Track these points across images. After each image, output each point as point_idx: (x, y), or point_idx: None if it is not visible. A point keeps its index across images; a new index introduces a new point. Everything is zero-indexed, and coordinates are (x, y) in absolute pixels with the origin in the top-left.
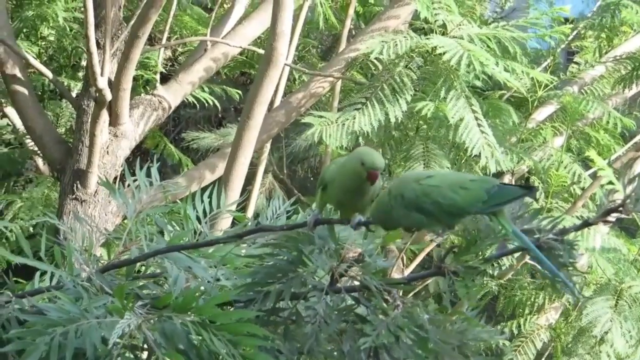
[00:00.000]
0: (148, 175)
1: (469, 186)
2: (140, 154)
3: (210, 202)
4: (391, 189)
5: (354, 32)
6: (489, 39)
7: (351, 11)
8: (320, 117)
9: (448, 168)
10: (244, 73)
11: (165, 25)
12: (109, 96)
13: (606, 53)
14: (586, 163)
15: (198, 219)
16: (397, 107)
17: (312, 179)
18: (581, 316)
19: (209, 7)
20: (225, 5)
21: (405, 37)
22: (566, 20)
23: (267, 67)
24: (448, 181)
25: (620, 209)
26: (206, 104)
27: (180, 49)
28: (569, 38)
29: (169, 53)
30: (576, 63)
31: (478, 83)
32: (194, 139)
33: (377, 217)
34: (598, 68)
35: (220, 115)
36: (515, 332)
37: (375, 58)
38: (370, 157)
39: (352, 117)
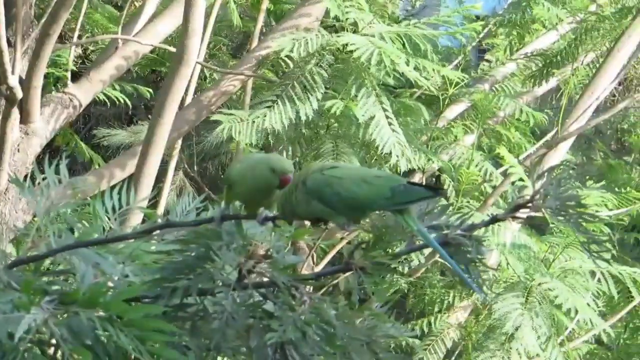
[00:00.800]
0: (57, 172)
1: (372, 181)
2: (50, 151)
3: (120, 199)
4: (296, 177)
5: (264, 30)
6: (400, 36)
7: (263, 6)
8: (230, 114)
9: (354, 164)
10: (155, 71)
11: (76, 23)
12: (19, 94)
13: (517, 50)
14: (497, 161)
15: (108, 215)
16: (307, 105)
17: (222, 176)
18: (491, 314)
19: (119, 4)
20: (136, 4)
21: (316, 35)
22: (477, 17)
23: (179, 65)
24: (352, 174)
25: (529, 205)
26: (117, 102)
27: (91, 47)
28: (480, 35)
29: (80, 51)
30: (487, 61)
31: (390, 81)
32: (105, 136)
33: (282, 206)
34: (509, 65)
35: (130, 113)
36: (426, 330)
37: (287, 56)
38: (280, 163)
39: (262, 114)
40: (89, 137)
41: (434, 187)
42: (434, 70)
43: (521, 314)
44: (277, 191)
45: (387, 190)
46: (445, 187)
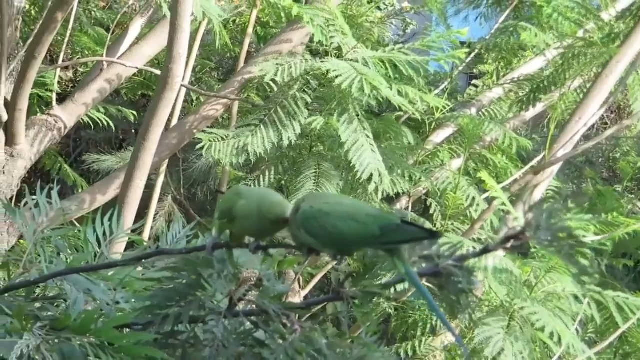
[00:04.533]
0: (49, 197)
1: (362, 220)
2: (40, 175)
3: (110, 226)
4: (294, 203)
5: (254, 54)
6: (384, 62)
7: (250, 30)
8: (211, 133)
9: (341, 188)
10: (145, 95)
11: (64, 45)
12: (4, 116)
13: (504, 76)
14: (482, 186)
15: (98, 241)
16: (290, 130)
17: (211, 200)
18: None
19: (110, 29)
20: (123, 27)
21: (300, 60)
22: (463, 44)
23: (163, 89)
24: (341, 210)
25: (521, 236)
26: (107, 126)
27: (81, 70)
28: (467, 60)
29: (70, 74)
30: (474, 86)
31: (374, 104)
32: (95, 161)
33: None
34: (496, 90)
35: (121, 137)
36: (410, 354)
37: (271, 80)
38: (279, 205)
39: (245, 137)
40: (79, 161)
41: (429, 230)
42: (417, 96)
43: (502, 339)
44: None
45: (375, 229)
46: (432, 211)
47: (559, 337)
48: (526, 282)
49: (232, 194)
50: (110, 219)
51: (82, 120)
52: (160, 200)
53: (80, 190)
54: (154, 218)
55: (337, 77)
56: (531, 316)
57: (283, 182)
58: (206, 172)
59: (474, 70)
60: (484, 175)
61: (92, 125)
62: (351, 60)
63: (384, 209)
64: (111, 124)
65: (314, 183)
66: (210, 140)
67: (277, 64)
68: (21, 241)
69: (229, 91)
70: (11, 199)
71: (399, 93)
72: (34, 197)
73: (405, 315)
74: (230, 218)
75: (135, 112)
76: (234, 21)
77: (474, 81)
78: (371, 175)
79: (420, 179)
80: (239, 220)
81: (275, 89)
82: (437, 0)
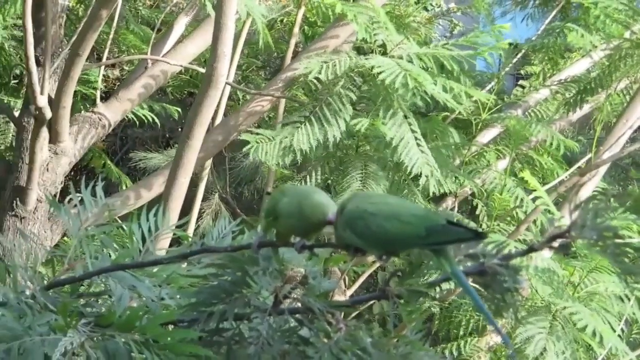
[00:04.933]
0: (93, 194)
1: (408, 220)
2: (87, 172)
3: (156, 221)
4: (340, 203)
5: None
6: (428, 58)
7: (296, 30)
8: (257, 134)
9: (387, 189)
10: (191, 94)
11: (107, 42)
12: (48, 114)
13: (551, 77)
14: (528, 187)
15: (143, 237)
16: (335, 127)
17: (258, 199)
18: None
19: (159, 28)
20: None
21: (344, 57)
22: (509, 45)
23: (208, 87)
24: (387, 210)
25: (566, 235)
26: (152, 124)
27: (127, 68)
28: (514, 61)
29: (116, 72)
30: (521, 86)
31: (420, 103)
32: (142, 159)
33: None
34: (543, 91)
35: (167, 136)
36: (455, 354)
37: (316, 78)
38: (323, 206)
39: (290, 135)
40: (125, 159)
41: (475, 231)
42: (462, 91)
43: (543, 339)
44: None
45: (421, 229)
46: (478, 211)
47: (601, 337)
48: (569, 282)
49: (277, 192)
50: (155, 215)
51: (129, 118)
52: (207, 199)
53: (124, 188)
54: (201, 216)
55: (381, 72)
56: (573, 316)
57: (329, 181)
58: (253, 171)
59: (521, 72)
60: (526, 175)
61: (139, 124)
62: (395, 57)
63: (430, 209)
64: (157, 121)
65: (360, 183)
66: (256, 142)
67: (321, 61)
68: (65, 238)
69: (274, 89)
70: (55, 195)
71: (444, 89)
72: (78, 193)
73: (450, 315)
74: (274, 216)
75: (180, 110)
76: (281, 20)
77: (520, 82)
78: (421, 171)
79: (464, 181)
80: (282, 219)
81: (320, 87)
82: (484, 1)
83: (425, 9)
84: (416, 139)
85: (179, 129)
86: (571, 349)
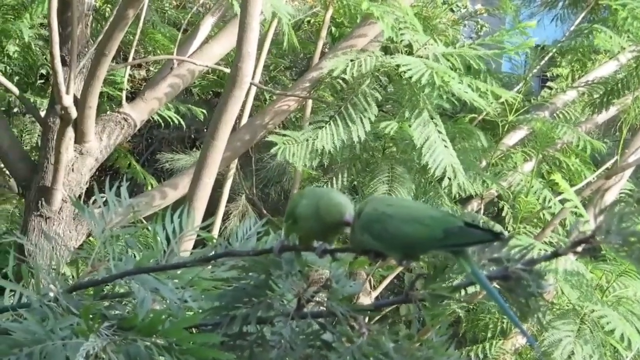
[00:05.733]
0: (118, 194)
1: (425, 222)
2: (111, 172)
3: (180, 223)
4: (357, 207)
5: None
6: (455, 57)
7: (323, 33)
8: (284, 135)
9: (413, 191)
10: (217, 94)
11: (134, 43)
12: (74, 114)
13: (579, 78)
14: (555, 189)
15: (167, 239)
16: (360, 127)
17: (284, 201)
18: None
19: (185, 29)
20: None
21: (370, 56)
22: (537, 46)
23: (232, 87)
24: (405, 213)
25: (591, 240)
26: (178, 125)
27: (152, 68)
28: (541, 63)
29: (143, 73)
30: (549, 88)
31: (446, 105)
32: (168, 160)
33: (350, 236)
34: (570, 93)
35: (193, 136)
36: (481, 356)
37: (341, 77)
38: (340, 206)
39: (315, 135)
40: (151, 160)
41: (493, 232)
42: (487, 91)
43: (571, 342)
44: (342, 231)
45: (439, 231)
46: (504, 213)
47: (629, 341)
48: (597, 286)
49: (297, 195)
50: (180, 216)
51: (154, 119)
52: (233, 200)
53: (149, 189)
54: (228, 217)
55: (407, 71)
56: (601, 320)
57: (355, 183)
58: (280, 172)
59: (547, 73)
60: (557, 177)
61: (164, 124)
62: (421, 56)
63: (454, 210)
64: (182, 122)
65: (387, 186)
66: (284, 143)
67: (346, 60)
68: (90, 238)
69: (300, 89)
70: (80, 196)
71: (470, 88)
72: (102, 194)
73: (476, 318)
74: (293, 219)
75: (205, 111)
76: (308, 21)
77: (548, 83)
78: (444, 172)
79: (491, 183)
80: (301, 221)
81: (345, 86)
82: (511, 1)
83: (452, 10)
84: (442, 140)
85: (205, 130)
86: (599, 352)
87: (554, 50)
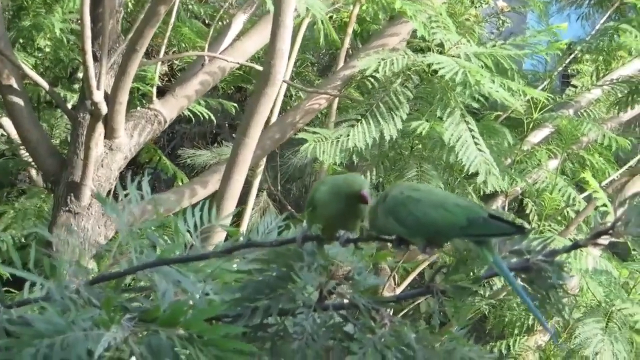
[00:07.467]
0: (140, 188)
1: (450, 209)
2: (134, 167)
3: (201, 217)
4: (382, 193)
5: (350, 52)
6: (486, 57)
7: (350, 30)
8: (315, 133)
9: (441, 188)
10: (240, 89)
11: (163, 38)
12: (104, 109)
13: (603, 76)
14: (580, 186)
15: (189, 232)
16: (391, 125)
17: (306, 196)
18: (571, 338)
19: (206, 22)
20: (223, 22)
21: (402, 55)
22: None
23: (265, 84)
24: (431, 198)
25: (611, 231)
26: (201, 119)
27: (177, 63)
28: (566, 61)
29: (165, 68)
30: (573, 86)
31: (474, 104)
32: (190, 156)
33: (371, 219)
34: (594, 91)
35: (214, 132)
36: (504, 352)
37: (372, 76)
38: (353, 182)
39: (346, 133)
40: (172, 155)
41: (515, 224)
42: (519, 90)
43: (601, 340)
44: (361, 213)
45: (463, 219)
46: (528, 210)
47: None
48: (624, 284)
49: (317, 183)
50: (201, 210)
51: (183, 114)
52: (255, 195)
53: (180, 183)
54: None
55: (439, 69)
56: (629, 317)
57: (381, 179)
58: (302, 168)
59: (568, 70)
60: (587, 175)
61: (189, 119)
62: (453, 56)
63: (475, 202)
64: (212, 117)
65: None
66: (314, 141)
67: (378, 59)
68: (117, 234)
69: (330, 87)
70: (109, 192)
71: (501, 87)
72: (125, 190)
73: (502, 314)
74: (313, 206)
75: (236, 105)
76: (330, 17)
77: (573, 81)
78: (478, 170)
79: (520, 180)
80: (319, 208)
81: (376, 85)
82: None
83: (475, 6)
84: (474, 137)
85: (226, 125)
86: (626, 350)
87: (580, 49)
